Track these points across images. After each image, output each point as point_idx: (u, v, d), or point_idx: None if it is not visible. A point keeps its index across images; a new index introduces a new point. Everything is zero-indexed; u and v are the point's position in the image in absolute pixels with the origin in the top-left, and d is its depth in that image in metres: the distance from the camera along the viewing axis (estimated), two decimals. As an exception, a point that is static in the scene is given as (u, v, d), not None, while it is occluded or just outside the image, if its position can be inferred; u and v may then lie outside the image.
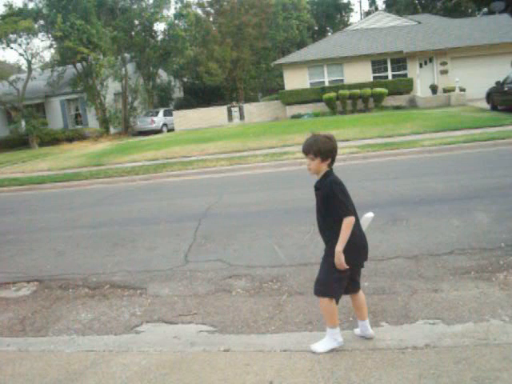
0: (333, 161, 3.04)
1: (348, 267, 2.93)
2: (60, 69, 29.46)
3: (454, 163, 9.81)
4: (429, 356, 2.86)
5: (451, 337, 3.11)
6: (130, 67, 32.70)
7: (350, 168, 10.30)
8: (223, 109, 29.55)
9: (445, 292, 3.85)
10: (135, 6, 32.85)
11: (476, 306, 3.54)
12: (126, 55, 32.20)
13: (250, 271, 4.77)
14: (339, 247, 2.90)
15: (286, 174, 10.87)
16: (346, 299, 3.87)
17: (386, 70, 26.45)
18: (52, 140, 27.65)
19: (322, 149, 2.95)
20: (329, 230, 3.03)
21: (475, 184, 7.37)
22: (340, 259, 2.90)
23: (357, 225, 3.01)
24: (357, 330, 3.26)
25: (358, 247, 3.01)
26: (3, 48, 27.76)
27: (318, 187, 3.04)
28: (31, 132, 26.83)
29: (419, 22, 29.02)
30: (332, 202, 2.95)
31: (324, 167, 3.00)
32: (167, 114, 30.79)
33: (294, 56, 28.27)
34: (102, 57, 28.86)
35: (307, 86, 26.68)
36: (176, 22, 34.13)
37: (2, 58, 57.17)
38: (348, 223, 2.91)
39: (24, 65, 32.51)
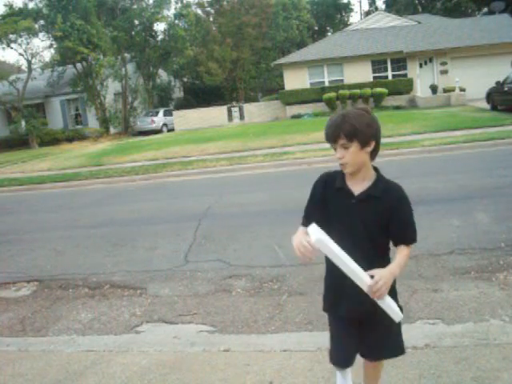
0: (376, 149, 2.00)
1: None
2: (60, 69, 29.47)
3: (453, 163, 9.80)
4: (429, 356, 2.86)
5: (451, 337, 3.11)
6: (130, 67, 32.69)
7: (350, 168, 10.30)
8: (223, 109, 29.53)
9: (445, 292, 3.85)
10: (135, 6, 32.85)
11: (476, 306, 3.54)
12: (126, 55, 32.19)
13: (250, 271, 4.77)
14: (396, 269, 1.94)
15: (286, 173, 10.86)
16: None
17: (386, 70, 26.45)
18: (52, 140, 27.64)
19: (360, 126, 1.89)
20: (380, 263, 1.98)
21: (475, 184, 7.37)
22: (385, 287, 1.88)
23: None
24: None
25: None
26: (3, 48, 27.77)
27: (377, 195, 1.98)
28: (31, 132, 26.82)
29: (419, 22, 29.02)
30: (395, 220, 1.99)
31: (366, 158, 1.97)
32: (167, 114, 30.78)
33: (294, 56, 28.27)
34: (102, 57, 28.86)
35: (307, 85, 26.67)
36: (176, 21, 34.13)
37: (1, 57, 57.15)
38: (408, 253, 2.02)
39: (24, 65, 32.52)
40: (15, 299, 4.75)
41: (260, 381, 2.80)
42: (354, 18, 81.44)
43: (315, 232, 1.87)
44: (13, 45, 27.45)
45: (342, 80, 26.41)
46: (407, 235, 2.02)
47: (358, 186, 2.00)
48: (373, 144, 1.94)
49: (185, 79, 42.01)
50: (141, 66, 33.24)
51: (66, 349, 3.51)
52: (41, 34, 29.40)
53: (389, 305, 1.96)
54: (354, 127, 1.88)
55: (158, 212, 8.05)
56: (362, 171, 1.99)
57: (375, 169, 2.05)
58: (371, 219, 1.98)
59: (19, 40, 27.36)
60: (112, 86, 30.78)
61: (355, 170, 1.97)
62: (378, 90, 24.11)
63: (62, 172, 14.79)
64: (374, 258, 1.98)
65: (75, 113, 31.62)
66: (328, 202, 2.02)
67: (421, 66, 26.28)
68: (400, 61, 26.23)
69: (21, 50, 32.95)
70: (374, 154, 1.99)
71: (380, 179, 2.02)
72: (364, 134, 1.90)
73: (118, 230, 6.98)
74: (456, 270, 4.25)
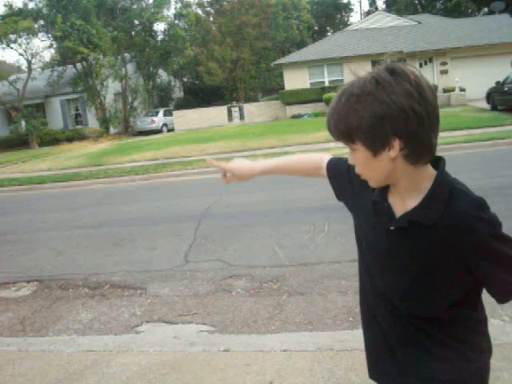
0: (418, 148, 1.03)
1: None
2: (60, 69, 29.47)
3: (453, 163, 9.78)
4: (429, 356, 2.86)
5: (451, 337, 3.10)
6: (130, 67, 32.70)
7: (350, 168, 10.32)
8: (223, 109, 29.54)
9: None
10: (135, 6, 32.87)
11: (476, 306, 3.53)
12: (126, 55, 32.20)
13: (249, 271, 4.77)
14: None
15: (286, 173, 10.85)
16: (345, 299, 3.87)
17: (386, 69, 26.46)
18: (52, 140, 27.64)
19: (358, 118, 1.02)
20: (441, 345, 1.14)
21: (475, 184, 7.31)
22: None
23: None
24: None
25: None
26: (3, 48, 27.79)
27: (426, 222, 1.07)
28: (31, 132, 26.82)
29: (419, 22, 29.04)
30: (478, 269, 1.08)
31: (397, 166, 1.06)
32: (167, 114, 30.79)
33: (294, 56, 28.28)
34: (102, 57, 28.87)
35: (307, 86, 26.68)
36: (176, 22, 34.16)
37: (1, 57, 57.20)
38: None
39: (24, 65, 32.54)
40: (15, 299, 4.75)
41: (260, 381, 2.80)
42: (354, 18, 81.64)
43: None
44: (13, 45, 27.45)
45: (341, 80, 26.37)
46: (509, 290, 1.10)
47: (402, 203, 1.12)
48: (396, 144, 1.01)
49: (185, 79, 42.03)
50: (141, 65, 33.25)
51: (66, 349, 3.51)
52: (41, 34, 29.41)
53: None
54: (348, 121, 1.03)
55: (158, 212, 8.05)
56: (400, 182, 1.10)
57: (437, 167, 1.10)
58: (421, 263, 1.09)
59: (19, 40, 27.37)
60: (112, 86, 30.78)
61: (383, 183, 1.12)
62: (378, 89, 24.13)
63: (61, 172, 14.79)
64: (424, 332, 1.14)
65: (75, 113, 31.61)
66: (357, 214, 1.22)
67: (421, 65, 26.26)
68: (400, 61, 26.20)
69: (21, 50, 33.06)
70: (415, 156, 1.04)
71: (438, 192, 1.07)
72: (370, 130, 1.01)
73: (118, 230, 6.97)
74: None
